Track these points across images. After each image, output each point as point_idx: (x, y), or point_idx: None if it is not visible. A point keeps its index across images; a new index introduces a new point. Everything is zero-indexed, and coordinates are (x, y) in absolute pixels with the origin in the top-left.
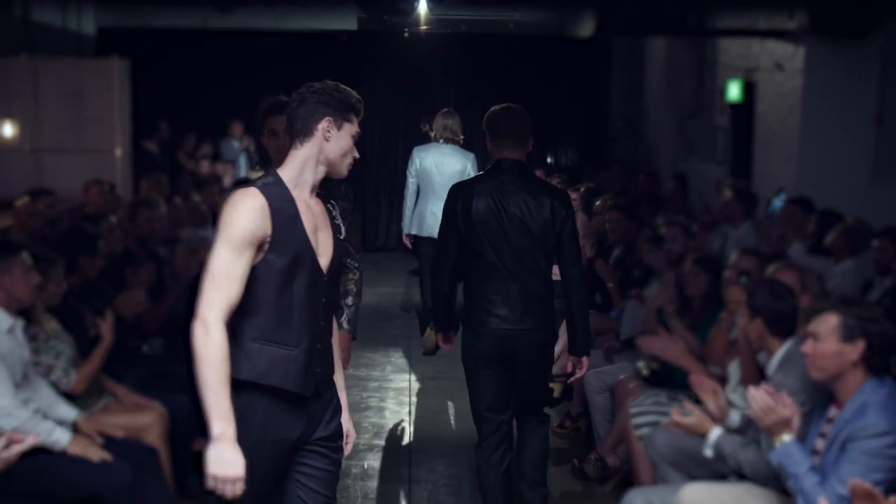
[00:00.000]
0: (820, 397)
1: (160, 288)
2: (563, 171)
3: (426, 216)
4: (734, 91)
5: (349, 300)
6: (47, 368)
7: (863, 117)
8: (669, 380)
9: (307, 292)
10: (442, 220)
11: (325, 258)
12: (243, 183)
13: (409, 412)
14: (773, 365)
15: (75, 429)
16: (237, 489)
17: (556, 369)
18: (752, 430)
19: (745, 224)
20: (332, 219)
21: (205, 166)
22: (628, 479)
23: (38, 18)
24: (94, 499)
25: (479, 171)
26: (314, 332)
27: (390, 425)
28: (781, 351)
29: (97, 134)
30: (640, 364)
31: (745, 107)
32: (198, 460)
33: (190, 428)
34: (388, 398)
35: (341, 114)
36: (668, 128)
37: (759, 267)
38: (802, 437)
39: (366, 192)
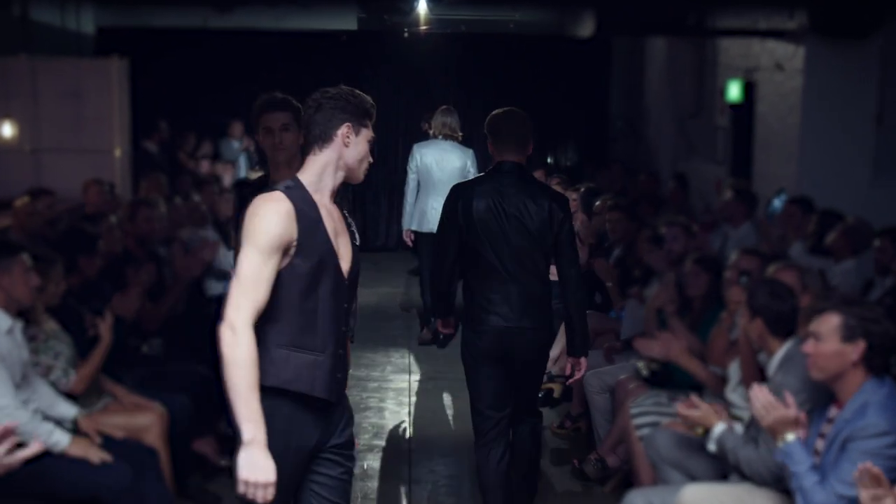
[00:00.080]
0: (820, 397)
1: (160, 288)
2: (563, 171)
3: (427, 212)
4: (734, 91)
5: None
6: (46, 369)
7: (863, 117)
8: (669, 380)
9: (331, 297)
10: (441, 219)
11: (345, 263)
12: (243, 183)
13: (409, 412)
14: (773, 365)
15: (75, 427)
16: (268, 494)
17: (556, 370)
18: (752, 429)
19: (745, 224)
20: (347, 225)
21: (204, 166)
22: (628, 480)
23: (37, 18)
24: (94, 499)
25: (478, 168)
26: (338, 337)
27: (390, 425)
28: (782, 351)
29: (96, 134)
30: (641, 364)
31: (746, 107)
32: (197, 461)
33: (189, 428)
34: (388, 398)
35: (358, 119)
36: (669, 128)
37: (759, 267)
38: (803, 437)
39: (366, 193)
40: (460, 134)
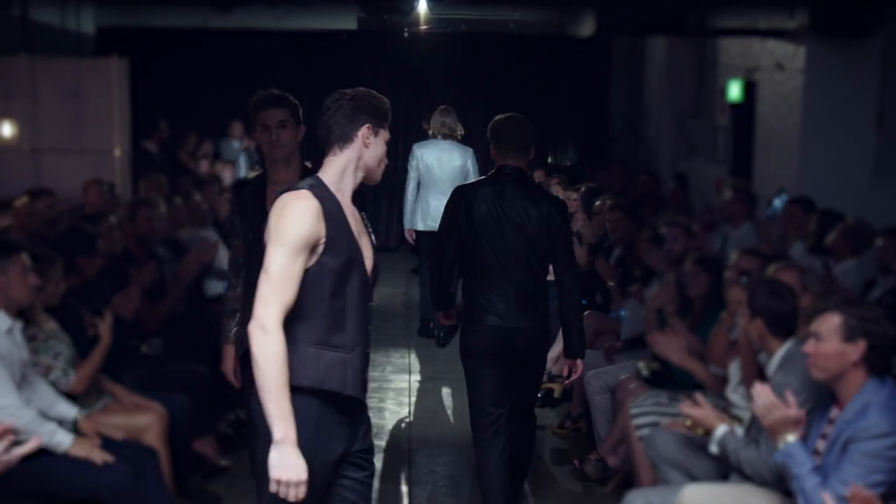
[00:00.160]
0: (821, 397)
1: (160, 288)
2: (563, 171)
3: (430, 211)
4: (735, 91)
5: None
6: (46, 369)
7: (864, 117)
8: (670, 380)
9: (358, 295)
10: (443, 219)
11: (368, 262)
12: (241, 183)
13: (409, 412)
14: (773, 365)
15: (76, 427)
16: (300, 493)
17: (556, 370)
18: (753, 430)
19: (745, 224)
20: (365, 226)
21: (204, 166)
22: (629, 480)
23: (36, 18)
24: (94, 499)
25: (478, 166)
26: (365, 336)
27: (390, 425)
28: (782, 351)
29: (96, 134)
30: (641, 364)
31: (746, 106)
32: (197, 461)
33: (189, 428)
34: (388, 398)
35: (377, 120)
36: (669, 128)
37: (759, 267)
38: (804, 438)
39: (366, 193)
40: (459, 133)
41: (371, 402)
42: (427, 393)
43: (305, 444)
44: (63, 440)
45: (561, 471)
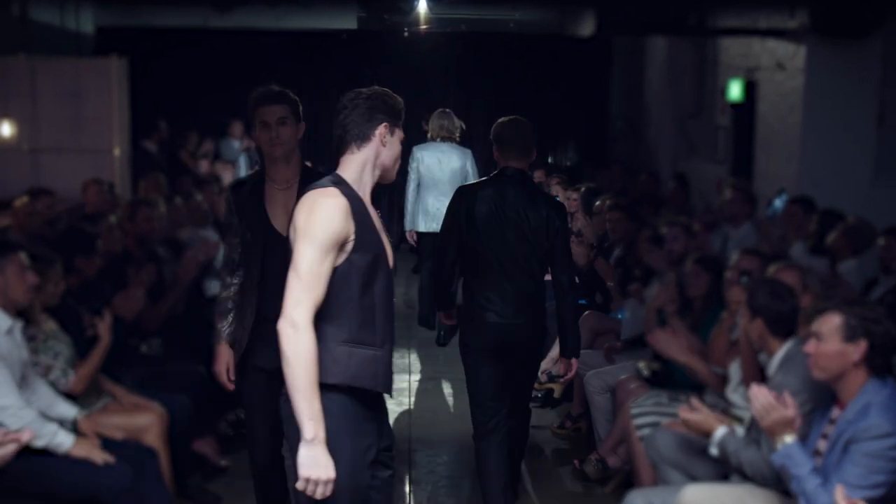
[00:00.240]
0: (822, 398)
1: (160, 288)
2: (563, 171)
3: (430, 211)
4: (735, 90)
5: None
6: (45, 369)
7: (864, 117)
8: (670, 380)
9: (385, 292)
10: (445, 219)
11: (390, 259)
12: (239, 183)
13: (409, 412)
14: (773, 365)
15: (75, 428)
16: (328, 490)
17: (556, 370)
18: (753, 430)
19: (746, 224)
20: (383, 224)
21: (204, 166)
22: (629, 480)
23: (36, 17)
24: (94, 499)
25: (477, 167)
26: (391, 333)
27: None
28: (782, 351)
29: (96, 133)
30: (641, 364)
31: (746, 106)
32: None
33: (189, 428)
34: (388, 398)
35: (393, 120)
36: (669, 127)
37: (760, 267)
38: (804, 438)
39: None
40: (458, 135)
41: None
42: (427, 393)
43: (348, 445)
44: (64, 441)
45: (561, 471)
